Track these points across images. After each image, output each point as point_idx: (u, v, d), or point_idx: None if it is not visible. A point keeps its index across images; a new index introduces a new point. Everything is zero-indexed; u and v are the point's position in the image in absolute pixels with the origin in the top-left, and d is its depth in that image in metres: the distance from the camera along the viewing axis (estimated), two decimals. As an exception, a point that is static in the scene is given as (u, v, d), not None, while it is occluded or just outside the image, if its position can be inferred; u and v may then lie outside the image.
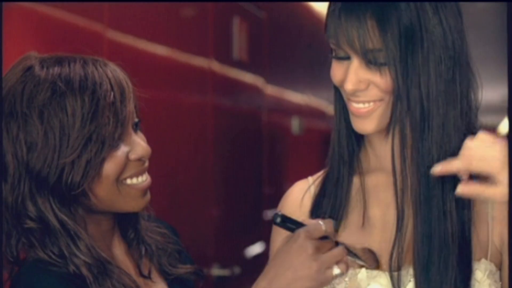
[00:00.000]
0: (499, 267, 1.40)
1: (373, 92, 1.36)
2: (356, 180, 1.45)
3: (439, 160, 1.36)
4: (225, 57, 3.26)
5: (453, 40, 1.37)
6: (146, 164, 1.42)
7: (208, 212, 3.08)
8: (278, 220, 1.31)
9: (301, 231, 1.30)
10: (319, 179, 1.49)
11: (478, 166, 1.31)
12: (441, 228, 1.36)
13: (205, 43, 3.05)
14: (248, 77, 3.62)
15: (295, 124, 4.54)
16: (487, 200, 1.36)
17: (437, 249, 1.36)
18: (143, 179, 1.42)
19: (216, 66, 3.12)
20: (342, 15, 1.33)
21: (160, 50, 2.64)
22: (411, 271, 1.37)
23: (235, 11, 3.39)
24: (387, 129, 1.39)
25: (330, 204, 1.42)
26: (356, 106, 1.37)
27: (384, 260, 1.41)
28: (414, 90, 1.35)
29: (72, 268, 1.34)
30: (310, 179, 1.51)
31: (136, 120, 1.42)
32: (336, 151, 1.46)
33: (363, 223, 1.43)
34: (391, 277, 1.38)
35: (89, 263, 1.35)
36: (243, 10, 3.50)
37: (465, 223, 1.38)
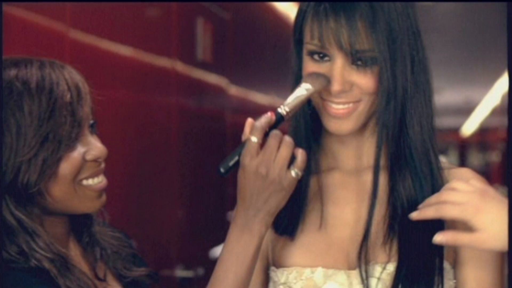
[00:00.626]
0: (453, 265, 1.42)
1: (355, 93, 1.37)
2: (313, 181, 1.46)
3: (419, 157, 1.39)
4: (189, 58, 3.25)
5: (421, 43, 1.41)
6: (102, 165, 1.43)
7: (172, 213, 3.07)
8: (222, 170, 1.33)
9: (242, 159, 1.32)
10: None
11: (451, 213, 1.30)
12: (419, 225, 1.38)
13: (169, 43, 3.04)
14: (212, 78, 3.61)
15: (259, 125, 4.53)
16: (469, 247, 1.35)
17: (417, 246, 1.38)
18: (99, 180, 1.43)
19: (180, 67, 3.11)
20: (330, 16, 1.34)
21: (123, 50, 2.63)
22: (377, 267, 1.38)
23: (199, 11, 3.38)
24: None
25: (288, 205, 1.43)
26: (336, 107, 1.38)
27: (343, 259, 1.41)
28: (399, 91, 1.38)
29: (34, 262, 1.34)
30: None
31: (92, 121, 1.43)
32: None
33: (321, 223, 1.44)
34: (361, 274, 1.38)
35: (50, 258, 1.35)
36: (207, 11, 3.49)
37: (441, 223, 1.40)
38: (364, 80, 1.36)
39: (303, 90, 1.36)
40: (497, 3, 6.11)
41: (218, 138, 3.76)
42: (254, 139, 1.32)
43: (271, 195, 1.33)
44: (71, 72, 1.41)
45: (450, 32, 7.44)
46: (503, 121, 10.99)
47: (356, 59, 1.35)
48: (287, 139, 1.33)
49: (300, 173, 1.33)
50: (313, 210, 1.45)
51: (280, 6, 5.02)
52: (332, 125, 1.40)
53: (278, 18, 4.92)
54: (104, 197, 1.45)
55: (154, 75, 2.92)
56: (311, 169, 1.46)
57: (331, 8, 1.34)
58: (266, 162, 1.31)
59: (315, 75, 1.37)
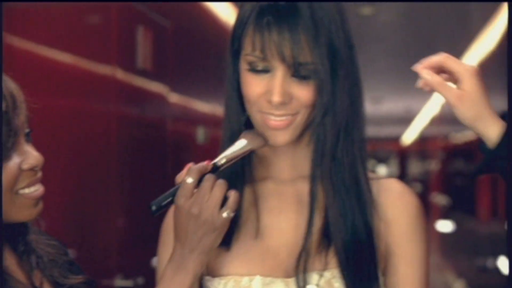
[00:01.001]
0: (383, 272, 1.45)
1: (293, 106, 1.39)
2: (247, 190, 1.47)
3: (348, 168, 1.43)
4: (129, 66, 3.23)
5: (355, 56, 1.45)
6: (39, 174, 1.43)
7: (111, 222, 3.05)
8: (154, 208, 1.36)
9: (177, 199, 1.36)
10: None
11: (452, 64, 1.39)
12: (353, 233, 1.41)
13: (108, 51, 3.02)
14: (152, 86, 3.60)
15: (200, 133, 4.53)
16: (442, 95, 1.41)
17: (353, 254, 1.40)
18: (36, 188, 1.42)
19: (120, 75, 3.09)
20: (273, 29, 1.35)
21: (62, 57, 2.60)
22: (314, 275, 1.40)
23: (140, 19, 3.37)
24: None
25: None
26: (275, 119, 1.39)
27: (280, 267, 1.42)
28: (338, 104, 1.40)
29: None
30: None
31: (27, 130, 1.42)
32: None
33: (257, 232, 1.45)
34: (297, 282, 1.40)
35: None
36: (147, 19, 3.48)
37: (371, 228, 1.43)
38: (303, 93, 1.38)
39: (241, 146, 1.41)
40: (435, 15, 6.19)
41: (159, 146, 3.74)
42: (189, 180, 1.36)
43: (204, 234, 1.36)
44: (6, 80, 1.39)
45: (390, 42, 7.52)
46: (442, 130, 11.14)
47: (297, 72, 1.37)
48: (220, 181, 1.37)
49: (232, 214, 1.37)
50: (248, 219, 1.46)
51: (222, 15, 5.02)
52: (270, 136, 1.41)
53: (220, 27, 4.93)
54: (40, 205, 1.44)
55: (93, 83, 2.89)
56: (246, 178, 1.48)
57: (274, 20, 1.35)
58: (199, 203, 1.35)
59: (254, 134, 1.41)
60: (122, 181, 3.13)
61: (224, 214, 1.36)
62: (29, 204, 1.41)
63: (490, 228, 6.63)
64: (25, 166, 1.39)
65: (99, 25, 2.96)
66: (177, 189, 1.37)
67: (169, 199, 1.37)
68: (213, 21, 4.89)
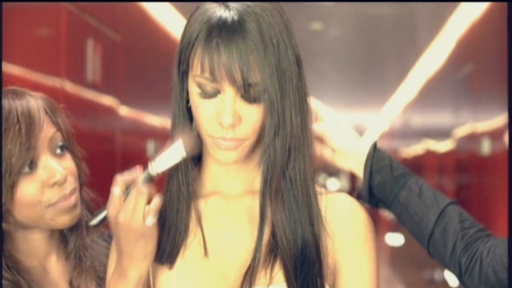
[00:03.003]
0: (332, 287, 1.44)
1: (243, 129, 1.37)
2: (194, 206, 1.46)
3: (299, 185, 1.43)
4: (79, 78, 3.21)
5: (303, 72, 1.44)
6: (68, 187, 1.48)
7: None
8: (94, 223, 1.39)
9: (108, 210, 1.37)
10: None
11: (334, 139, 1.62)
12: (303, 248, 1.41)
13: (58, 63, 3.00)
14: (102, 99, 3.58)
15: (150, 147, 4.51)
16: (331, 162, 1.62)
17: (301, 269, 1.40)
18: (64, 203, 1.48)
19: (69, 87, 3.07)
20: (222, 50, 1.33)
21: (11, 69, 2.58)
22: None
23: (89, 33, 3.35)
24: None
25: (170, 232, 1.43)
26: (224, 144, 1.38)
27: (225, 283, 1.41)
28: (287, 123, 1.40)
29: None
30: None
31: (60, 143, 1.49)
32: (174, 177, 1.46)
33: (203, 249, 1.43)
34: None
35: (10, 279, 1.40)
36: (97, 32, 3.46)
37: (319, 243, 1.43)
38: (253, 116, 1.37)
39: (177, 153, 1.40)
40: (384, 30, 6.26)
41: (108, 160, 3.72)
42: (116, 191, 1.37)
43: (135, 242, 1.38)
44: (28, 101, 1.46)
45: (340, 57, 7.57)
46: (391, 144, 11.24)
47: (246, 93, 1.36)
48: (143, 189, 1.37)
49: (153, 219, 1.37)
50: (195, 235, 1.44)
51: (173, 30, 5.02)
52: (219, 156, 1.40)
53: (170, 41, 4.92)
54: (77, 211, 1.50)
55: (42, 96, 2.86)
56: (193, 193, 1.46)
57: (223, 41, 1.34)
58: (125, 212, 1.36)
59: (188, 140, 1.41)
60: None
61: (146, 221, 1.37)
62: (62, 212, 1.47)
63: (438, 241, 6.68)
64: (49, 181, 1.45)
65: (48, 37, 2.94)
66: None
67: (105, 212, 1.39)
68: (163, 36, 4.89)
